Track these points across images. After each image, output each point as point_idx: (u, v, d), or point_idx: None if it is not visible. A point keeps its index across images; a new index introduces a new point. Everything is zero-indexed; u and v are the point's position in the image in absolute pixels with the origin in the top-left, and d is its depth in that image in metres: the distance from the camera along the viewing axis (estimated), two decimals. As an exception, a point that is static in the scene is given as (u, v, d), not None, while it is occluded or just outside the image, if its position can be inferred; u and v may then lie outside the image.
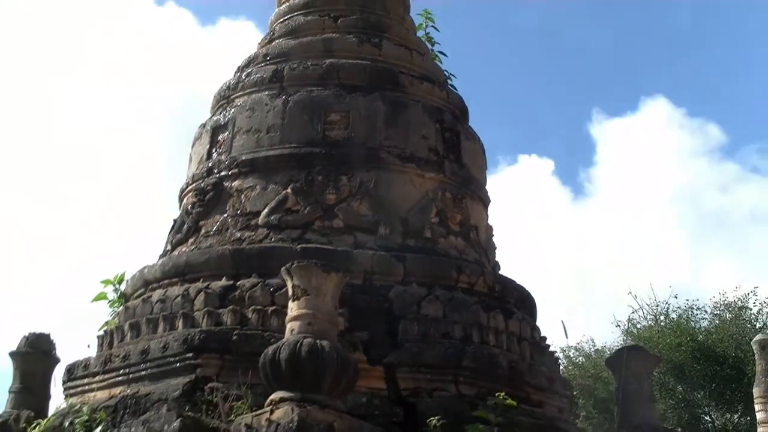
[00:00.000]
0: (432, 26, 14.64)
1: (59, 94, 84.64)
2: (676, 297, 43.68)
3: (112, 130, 79.27)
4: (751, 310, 42.13)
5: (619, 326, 42.91)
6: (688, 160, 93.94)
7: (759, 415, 27.57)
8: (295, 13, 13.88)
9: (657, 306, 43.97)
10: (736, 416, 38.78)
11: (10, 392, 13.06)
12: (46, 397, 13.10)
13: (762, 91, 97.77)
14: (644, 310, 44.28)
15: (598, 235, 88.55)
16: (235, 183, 12.84)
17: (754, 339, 30.87)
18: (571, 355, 36.83)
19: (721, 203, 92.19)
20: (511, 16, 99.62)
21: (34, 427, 11.67)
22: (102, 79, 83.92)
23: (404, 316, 11.46)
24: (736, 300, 42.53)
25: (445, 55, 14.46)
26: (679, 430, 37.80)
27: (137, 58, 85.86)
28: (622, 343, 35.63)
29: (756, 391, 28.39)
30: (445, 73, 14.26)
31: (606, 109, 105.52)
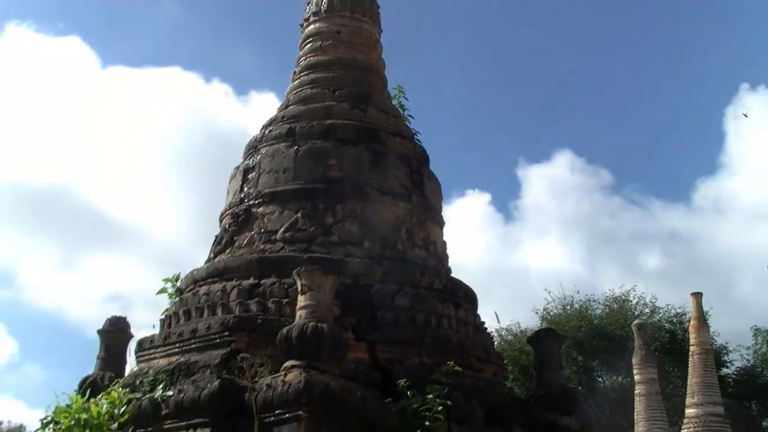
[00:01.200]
0: (403, 97, 14.76)
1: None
2: (578, 292, 45.23)
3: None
4: (631, 302, 43.78)
5: (537, 313, 44.23)
6: (586, 195, 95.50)
7: (636, 377, 28.04)
8: (305, 87, 14.04)
9: (564, 299, 45.42)
10: (620, 378, 39.37)
11: (97, 359, 13.25)
12: (123, 363, 13.28)
13: (638, 145, 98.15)
14: (555, 302, 45.31)
15: (524, 249, 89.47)
16: (260, 209, 13.10)
17: (633, 323, 31.39)
18: (503, 335, 37.48)
19: (610, 226, 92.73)
20: (462, 83, 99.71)
21: (115, 384, 11.94)
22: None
23: (382, 306, 11.77)
24: (621, 295, 44.21)
25: (413, 117, 14.66)
26: (580, 388, 38.01)
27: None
28: (539, 326, 36.08)
29: (634, 360, 28.94)
30: (413, 130, 14.45)
31: (528, 157, 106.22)
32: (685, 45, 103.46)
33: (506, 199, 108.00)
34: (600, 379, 43.45)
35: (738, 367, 44.10)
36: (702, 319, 33.55)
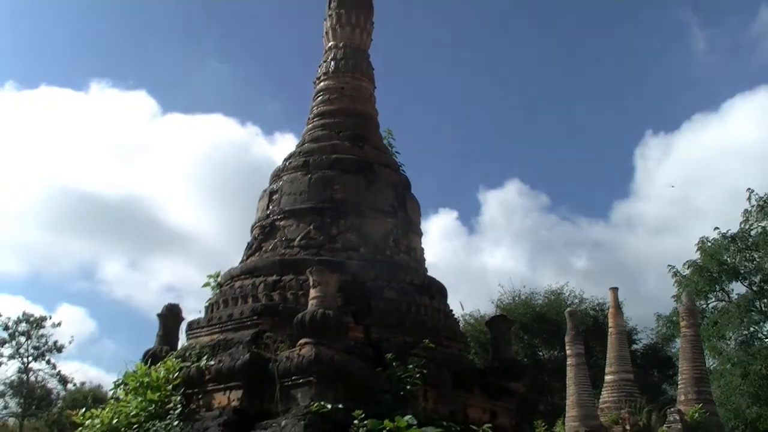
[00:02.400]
0: (391, 138, 14.75)
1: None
2: (524, 287, 45.25)
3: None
4: (564, 294, 43.62)
5: (493, 303, 44.16)
6: (529, 213, 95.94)
7: (568, 352, 27.92)
8: (316, 129, 13.97)
9: (513, 292, 45.20)
10: (556, 352, 39.24)
11: (157, 336, 13.18)
12: (176, 339, 13.22)
13: (569, 175, 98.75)
14: (506, 294, 45.22)
15: (482, 254, 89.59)
16: (282, 222, 13.03)
17: (566, 310, 31.22)
18: (466, 319, 37.16)
19: (547, 237, 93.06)
20: (440, 126, 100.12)
21: (170, 355, 11.92)
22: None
23: (374, 298, 11.71)
24: (556, 289, 44.07)
25: (399, 153, 14.64)
26: (525, 360, 37.95)
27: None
28: (494, 312, 35.96)
29: (566, 339, 28.81)
30: (398, 162, 14.41)
31: (486, 184, 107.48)
32: (608, 95, 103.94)
33: (469, 216, 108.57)
34: (540, 354, 43.43)
35: (644, 344, 44.15)
36: (617, 307, 33.48)
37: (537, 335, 43.13)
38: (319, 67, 14.84)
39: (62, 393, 44.15)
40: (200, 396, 10.82)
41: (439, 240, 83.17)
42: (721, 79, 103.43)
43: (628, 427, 30.62)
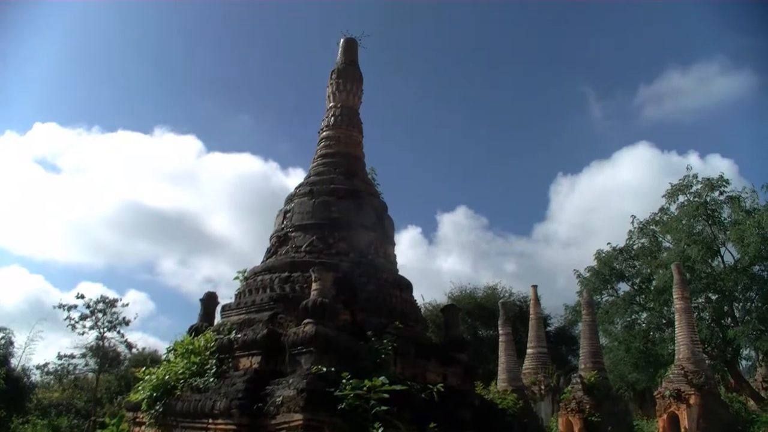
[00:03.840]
0: (375, 174, 14.72)
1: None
2: (469, 284, 45.23)
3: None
4: (498, 290, 43.37)
5: (446, 295, 43.77)
6: (473, 231, 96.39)
7: (500, 332, 27.85)
8: (319, 166, 13.89)
9: (461, 287, 45.26)
10: (491, 332, 39.24)
11: (199, 315, 13.14)
12: (213, 318, 13.12)
13: (502, 202, 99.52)
14: (456, 289, 45.17)
15: (438, 260, 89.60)
16: (293, 234, 12.95)
17: (499, 301, 31.10)
18: (427, 307, 36.64)
19: (486, 248, 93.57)
20: (409, 163, 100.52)
21: (208, 330, 11.85)
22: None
23: (359, 290, 11.64)
24: (493, 285, 44.15)
25: (379, 184, 14.57)
26: (469, 337, 37.92)
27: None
28: (446, 302, 35.86)
29: (499, 323, 28.64)
30: (379, 191, 14.38)
31: (441, 208, 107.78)
32: (531, 145, 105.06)
33: (429, 231, 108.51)
34: (480, 333, 43.35)
35: (556, 326, 44.23)
36: (537, 300, 33.59)
37: (477, 319, 43.10)
38: (323, 120, 14.81)
39: (128, 356, 44.33)
40: (230, 360, 10.74)
41: (408, 248, 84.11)
42: (612, 136, 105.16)
43: (542, 387, 30.71)
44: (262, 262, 13.17)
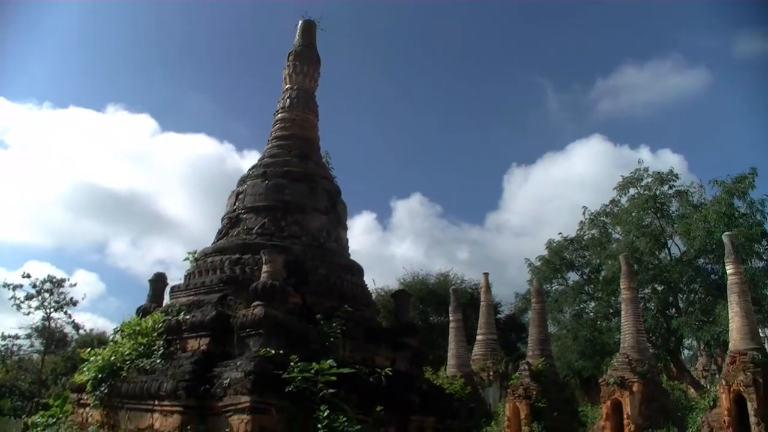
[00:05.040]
0: (329, 158, 14.63)
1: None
2: (421, 270, 45.46)
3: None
4: (450, 277, 43.58)
5: (398, 281, 43.72)
6: (427, 219, 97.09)
7: (451, 317, 28.03)
8: (274, 148, 13.80)
9: (414, 273, 45.33)
10: (442, 318, 39.52)
11: (147, 296, 13.02)
12: (162, 299, 13.03)
13: (456, 190, 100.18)
14: (408, 275, 45.27)
15: (392, 246, 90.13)
16: (245, 215, 12.86)
17: (451, 288, 31.26)
18: (378, 292, 36.48)
19: (440, 236, 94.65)
20: (366, 149, 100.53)
21: (156, 310, 11.73)
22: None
23: (310, 273, 11.65)
24: (445, 272, 44.41)
25: (333, 168, 14.53)
26: (420, 323, 38.17)
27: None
28: (399, 288, 35.78)
29: (450, 309, 28.79)
30: (333, 175, 14.31)
31: (396, 195, 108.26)
32: (486, 136, 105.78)
33: (384, 217, 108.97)
34: (431, 318, 43.57)
35: (506, 314, 44.64)
36: (488, 287, 33.88)
37: (429, 305, 43.28)
38: (278, 102, 14.69)
39: (75, 336, 43.68)
40: (178, 341, 10.69)
41: (362, 234, 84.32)
42: (567, 128, 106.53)
43: (491, 373, 31.08)
44: (213, 244, 13.06)
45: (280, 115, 14.46)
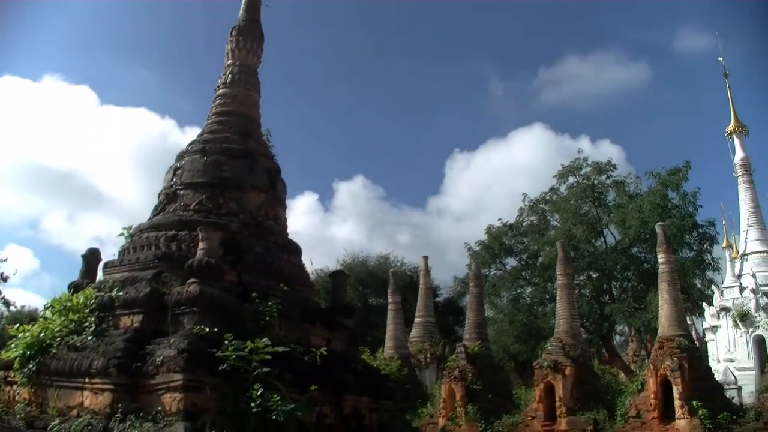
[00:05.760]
0: (270, 136, 14.54)
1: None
2: (362, 252, 45.83)
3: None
4: (390, 259, 43.78)
5: (338, 262, 43.57)
6: (370, 201, 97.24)
7: (390, 300, 28.12)
8: (214, 124, 13.60)
9: (354, 255, 45.34)
10: (381, 300, 39.61)
11: (80, 272, 12.78)
12: (95, 275, 12.78)
13: (399, 174, 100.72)
14: (349, 256, 45.34)
15: (333, 227, 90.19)
16: (182, 191, 12.65)
17: (390, 270, 31.36)
18: (318, 272, 36.37)
19: (382, 218, 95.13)
20: (308, 130, 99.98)
21: (89, 286, 11.49)
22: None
23: (247, 251, 11.54)
24: (385, 255, 44.49)
25: (274, 146, 14.43)
26: (359, 304, 38.30)
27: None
28: (339, 269, 35.84)
29: (389, 291, 28.85)
30: (273, 154, 14.18)
31: (339, 177, 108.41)
32: (430, 120, 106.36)
33: (326, 198, 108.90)
34: (371, 300, 43.77)
35: (445, 297, 45.10)
36: (427, 270, 34.17)
37: (369, 287, 43.46)
38: (220, 78, 14.47)
39: (5, 313, 42.47)
40: (110, 318, 10.52)
41: (304, 214, 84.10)
42: (510, 116, 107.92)
43: (428, 355, 31.43)
44: (149, 220, 12.82)
45: (221, 90, 14.26)
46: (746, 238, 34.54)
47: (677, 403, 18.71)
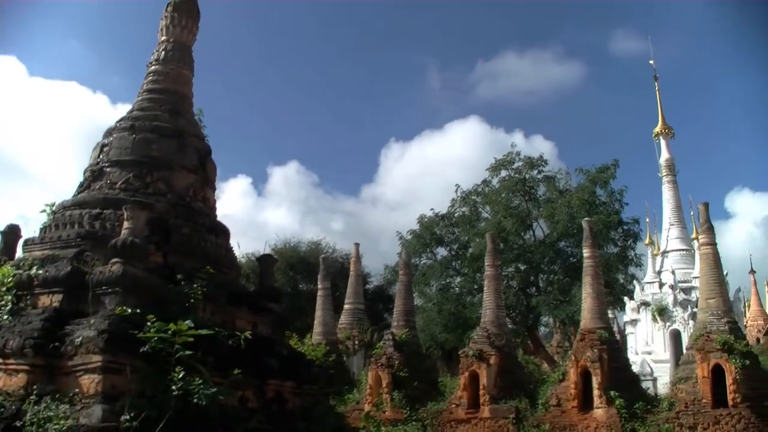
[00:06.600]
0: (202, 116, 14.15)
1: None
2: (293, 237, 45.80)
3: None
4: (322, 245, 43.94)
5: (271, 248, 43.18)
6: (303, 187, 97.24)
7: (319, 286, 28.14)
8: (144, 101, 13.25)
9: (286, 240, 45.26)
10: (311, 286, 39.48)
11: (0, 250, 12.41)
12: (14, 252, 12.38)
13: (333, 161, 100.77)
14: (281, 241, 45.17)
15: (266, 212, 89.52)
16: (109, 169, 12.29)
17: (321, 256, 31.32)
18: (248, 256, 36.39)
19: (315, 205, 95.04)
20: (241, 114, 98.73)
21: (7, 264, 11.11)
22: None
23: (173, 233, 11.30)
24: (317, 241, 44.42)
25: (206, 126, 14.14)
26: (289, 289, 38.13)
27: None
28: (267, 252, 35.72)
29: (319, 277, 28.81)
30: (205, 134, 13.92)
31: (274, 161, 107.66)
32: (367, 109, 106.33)
33: (260, 183, 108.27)
34: (301, 286, 43.70)
35: (375, 285, 45.40)
36: (358, 258, 34.40)
37: (300, 272, 43.43)
38: (153, 54, 14.13)
39: None
40: (28, 298, 10.18)
41: (237, 198, 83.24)
42: (446, 107, 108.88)
43: (356, 342, 31.60)
44: (73, 197, 12.45)
45: (153, 67, 13.93)
46: (668, 236, 35.86)
47: (596, 393, 19.34)
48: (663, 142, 37.14)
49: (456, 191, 37.34)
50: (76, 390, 8.50)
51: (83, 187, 12.54)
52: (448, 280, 36.90)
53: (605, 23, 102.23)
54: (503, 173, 35.83)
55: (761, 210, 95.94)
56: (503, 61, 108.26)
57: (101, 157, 12.66)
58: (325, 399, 12.25)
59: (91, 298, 9.61)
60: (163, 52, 13.93)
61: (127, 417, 7.88)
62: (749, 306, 47.28)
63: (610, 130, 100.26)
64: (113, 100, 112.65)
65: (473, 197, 36.96)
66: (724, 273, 22.97)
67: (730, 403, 17.93)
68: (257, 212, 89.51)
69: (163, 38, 14.08)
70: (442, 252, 37.49)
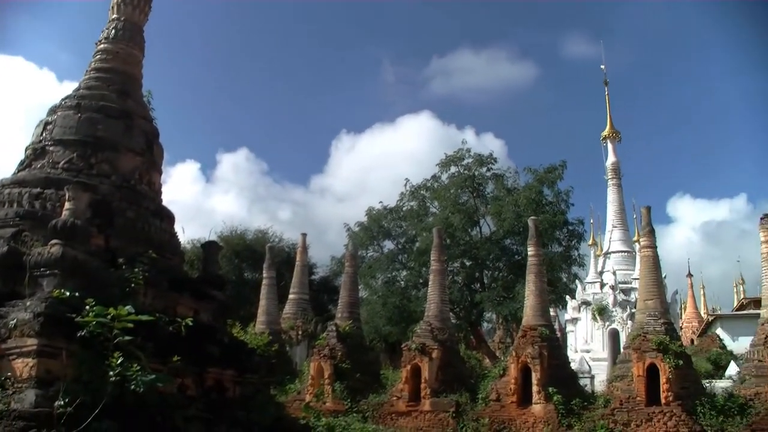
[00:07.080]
0: (151, 98, 13.85)
1: None
2: (240, 225, 44.90)
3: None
4: (269, 234, 44.53)
5: (217, 235, 42.61)
6: (252, 175, 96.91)
7: (264, 275, 27.98)
8: (91, 80, 12.88)
9: (232, 227, 44.67)
10: (257, 275, 39.06)
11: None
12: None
13: (284, 151, 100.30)
14: (227, 229, 44.79)
15: (214, 199, 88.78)
16: (52, 148, 11.94)
17: (267, 245, 31.08)
18: (194, 243, 35.82)
19: (264, 193, 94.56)
20: (195, 98, 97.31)
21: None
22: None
23: (116, 216, 11.07)
24: (264, 229, 44.23)
25: (154, 109, 13.87)
26: (234, 278, 37.80)
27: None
28: (212, 238, 35.38)
29: (265, 266, 28.75)
30: (153, 117, 13.65)
31: (224, 148, 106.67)
32: (320, 99, 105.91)
33: (208, 168, 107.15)
34: (246, 274, 43.35)
35: (321, 276, 45.41)
36: (305, 248, 34.28)
37: (245, 261, 43.10)
38: (103, 32, 13.78)
39: None
40: (-39, 279, 9.87)
41: (185, 183, 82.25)
42: (399, 101, 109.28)
43: (300, 332, 31.53)
44: (13, 175, 12.09)
45: (102, 45, 13.59)
46: (610, 238, 36.67)
47: (535, 388, 19.69)
48: (610, 146, 37.91)
49: (405, 185, 37.55)
50: (9, 374, 8.26)
51: (24, 165, 12.18)
52: (394, 274, 37.09)
53: (559, 26, 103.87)
54: (453, 169, 36.13)
55: (700, 216, 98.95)
56: (458, 58, 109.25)
57: (44, 135, 12.30)
58: (266, 388, 12.17)
59: (28, 280, 9.36)
60: (113, 31, 13.59)
61: (62, 402, 7.69)
62: (685, 308, 48.74)
63: (559, 131, 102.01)
64: (60, 78, 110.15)
65: (422, 192, 37.18)
66: (663, 275, 23.63)
67: (663, 401, 18.46)
68: (205, 198, 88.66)
69: (114, 16, 13.75)
70: (389, 245, 37.69)
